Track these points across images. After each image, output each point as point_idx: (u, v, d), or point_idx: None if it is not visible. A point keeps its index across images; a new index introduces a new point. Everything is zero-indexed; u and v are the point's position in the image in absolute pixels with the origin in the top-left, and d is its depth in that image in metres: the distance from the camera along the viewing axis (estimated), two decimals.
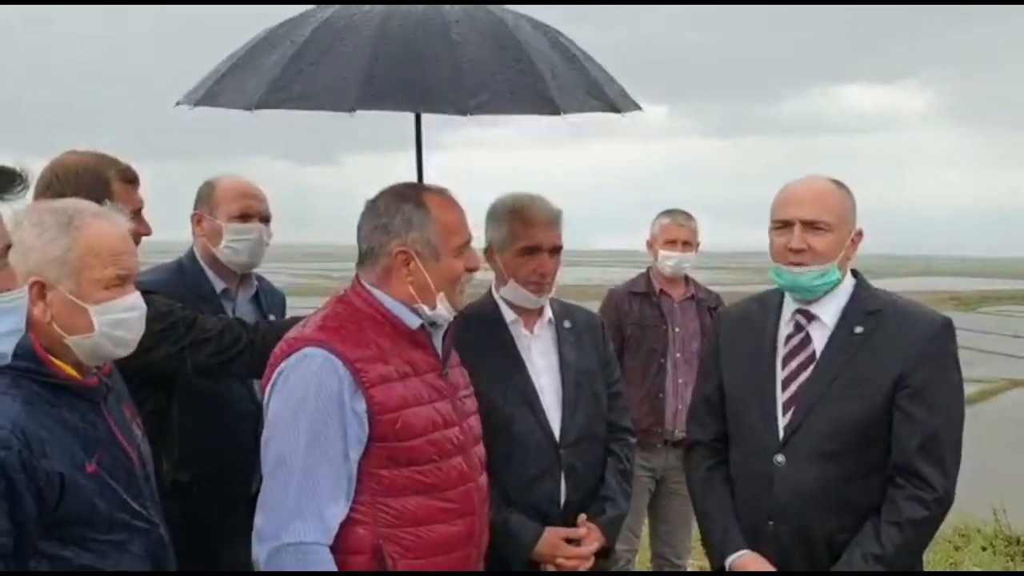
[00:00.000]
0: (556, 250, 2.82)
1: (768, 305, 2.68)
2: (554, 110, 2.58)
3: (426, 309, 2.28)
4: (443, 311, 2.30)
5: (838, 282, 2.55)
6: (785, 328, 2.61)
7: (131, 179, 2.72)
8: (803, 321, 2.59)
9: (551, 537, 2.73)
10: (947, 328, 2.52)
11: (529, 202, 2.83)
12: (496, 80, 2.54)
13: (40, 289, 1.92)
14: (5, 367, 1.75)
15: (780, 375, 2.57)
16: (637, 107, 2.84)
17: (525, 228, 2.79)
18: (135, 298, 2.04)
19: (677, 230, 4.66)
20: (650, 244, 4.76)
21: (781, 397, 2.55)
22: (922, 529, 2.45)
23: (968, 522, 7.01)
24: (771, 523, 2.53)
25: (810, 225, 2.49)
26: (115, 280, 1.99)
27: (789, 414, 2.52)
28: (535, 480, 2.76)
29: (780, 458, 2.51)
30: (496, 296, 2.89)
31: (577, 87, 2.68)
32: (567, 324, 2.91)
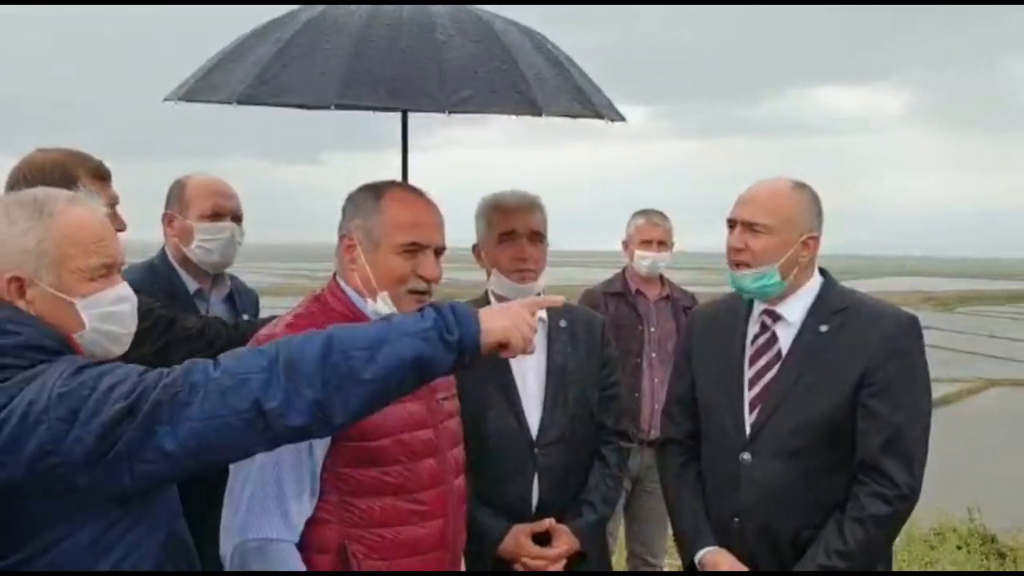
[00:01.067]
0: (535, 236, 2.81)
1: (737, 305, 2.70)
2: (536, 111, 2.61)
3: (370, 302, 2.23)
4: (384, 309, 2.19)
5: (779, 285, 2.55)
6: (752, 327, 2.64)
7: (102, 175, 2.69)
8: (768, 321, 2.61)
9: (517, 535, 2.72)
10: (913, 325, 2.54)
11: (505, 192, 2.85)
12: (478, 78, 2.57)
13: (19, 286, 1.78)
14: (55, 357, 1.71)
15: (747, 374, 2.59)
16: (621, 117, 2.87)
17: (501, 215, 2.80)
18: (124, 289, 1.89)
19: (652, 230, 4.68)
20: (625, 244, 4.78)
21: (748, 395, 2.58)
22: (885, 525, 2.47)
23: (944, 521, 7.07)
24: (736, 520, 2.55)
25: (748, 226, 2.53)
26: (101, 269, 1.83)
27: (755, 412, 2.55)
28: (508, 479, 2.76)
29: (746, 456, 2.54)
30: (490, 294, 2.90)
31: (561, 91, 2.71)
32: (562, 323, 2.89)
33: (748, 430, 2.55)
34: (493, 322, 1.82)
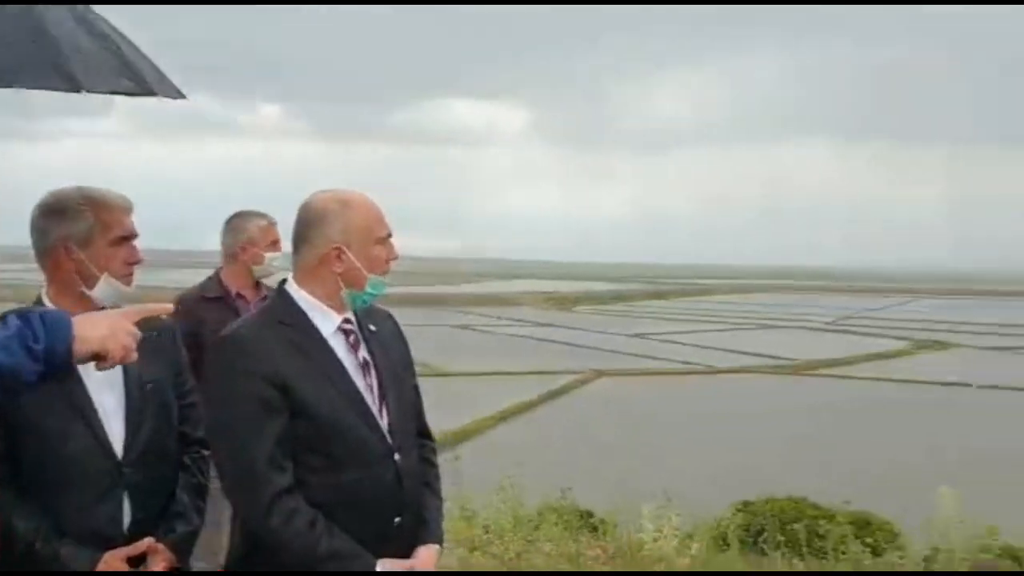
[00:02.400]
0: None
1: (291, 323, 2.61)
2: (74, 87, 2.44)
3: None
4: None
5: None
6: (335, 339, 2.62)
7: None
8: (351, 327, 2.65)
9: (111, 561, 2.53)
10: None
11: (106, 191, 2.64)
12: (7, 54, 2.36)
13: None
14: None
15: (361, 384, 2.61)
16: (180, 95, 2.75)
17: (117, 216, 2.60)
18: None
19: (274, 231, 4.62)
20: (244, 246, 4.66)
21: (373, 404, 2.60)
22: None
23: (547, 502, 7.70)
24: (398, 519, 2.58)
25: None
26: None
27: (384, 417, 2.60)
28: (94, 503, 2.55)
29: (398, 456, 2.60)
30: (44, 299, 2.61)
31: (106, 66, 2.54)
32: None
33: (389, 436, 2.59)
34: (88, 331, 1.77)
